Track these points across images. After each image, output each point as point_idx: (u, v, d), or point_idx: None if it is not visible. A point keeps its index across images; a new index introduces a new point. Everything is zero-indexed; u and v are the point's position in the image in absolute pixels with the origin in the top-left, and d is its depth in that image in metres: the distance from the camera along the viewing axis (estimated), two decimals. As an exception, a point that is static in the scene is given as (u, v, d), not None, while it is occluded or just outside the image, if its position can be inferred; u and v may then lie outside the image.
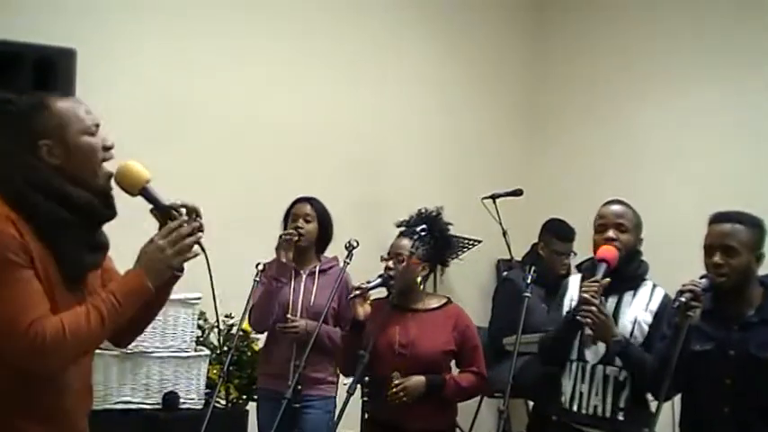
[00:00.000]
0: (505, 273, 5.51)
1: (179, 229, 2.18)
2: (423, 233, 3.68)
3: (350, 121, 5.51)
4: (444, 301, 3.85)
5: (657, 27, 5.72)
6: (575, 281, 3.58)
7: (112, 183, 2.23)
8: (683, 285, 3.02)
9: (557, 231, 5.11)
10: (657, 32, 5.72)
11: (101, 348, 3.88)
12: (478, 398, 4.97)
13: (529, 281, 3.52)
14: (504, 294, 5.08)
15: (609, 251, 3.33)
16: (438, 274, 5.19)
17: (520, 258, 5.42)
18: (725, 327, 3.11)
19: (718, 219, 3.17)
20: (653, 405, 3.41)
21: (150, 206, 2.25)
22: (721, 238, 3.11)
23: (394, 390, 3.57)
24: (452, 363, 3.81)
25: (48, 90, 3.60)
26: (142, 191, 2.23)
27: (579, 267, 3.62)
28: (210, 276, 2.28)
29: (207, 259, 2.23)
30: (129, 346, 3.72)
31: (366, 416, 3.78)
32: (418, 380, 3.60)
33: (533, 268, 3.57)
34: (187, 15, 4.85)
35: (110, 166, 2.22)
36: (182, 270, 2.27)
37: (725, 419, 3.09)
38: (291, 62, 5.27)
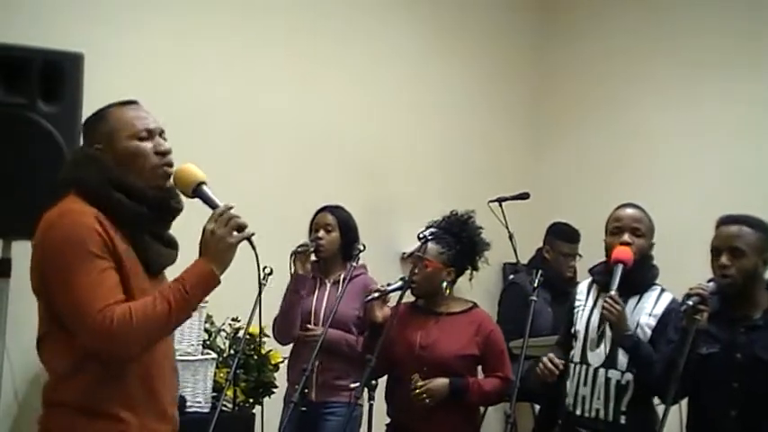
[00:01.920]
0: (512, 276, 5.52)
1: (225, 212, 2.27)
2: (430, 236, 3.67)
3: (356, 124, 5.50)
4: (469, 305, 3.84)
5: (668, 28, 5.70)
6: (583, 287, 3.58)
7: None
8: (691, 289, 3.04)
9: (561, 233, 5.13)
10: (668, 33, 5.70)
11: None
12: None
13: (536, 284, 3.52)
14: (510, 298, 5.09)
15: (624, 252, 3.32)
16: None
17: (526, 262, 5.42)
18: (731, 329, 3.12)
19: (725, 221, 3.18)
20: (659, 409, 3.41)
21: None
22: (728, 240, 3.11)
23: (417, 391, 3.56)
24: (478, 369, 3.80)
25: (54, 94, 3.64)
26: (196, 191, 2.33)
27: (592, 271, 3.60)
28: (259, 272, 2.42)
29: (254, 250, 2.33)
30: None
31: (371, 419, 3.77)
32: (442, 382, 3.59)
33: (540, 272, 3.57)
34: (195, 19, 4.84)
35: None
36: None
37: (732, 423, 3.08)
38: (298, 65, 5.26)
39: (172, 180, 2.36)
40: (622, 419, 3.33)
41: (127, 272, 2.23)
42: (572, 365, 3.45)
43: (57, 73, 3.65)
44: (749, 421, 3.07)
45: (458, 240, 3.76)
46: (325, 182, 5.09)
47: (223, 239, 2.23)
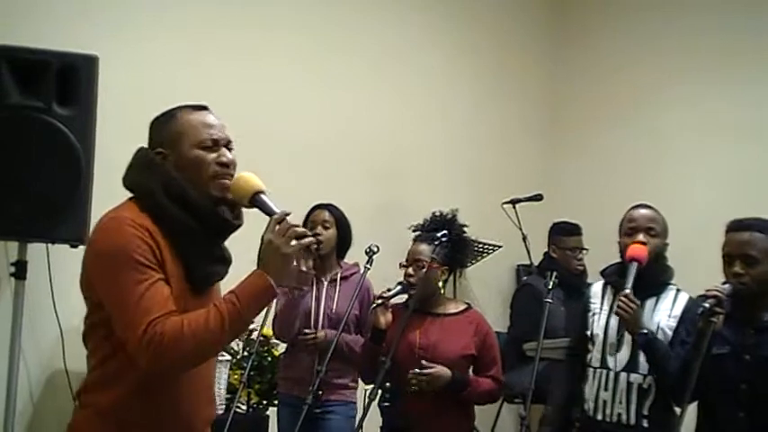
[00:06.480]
0: (525, 278, 5.52)
1: (283, 219, 2.15)
2: (444, 238, 3.66)
3: (369, 126, 5.51)
4: (464, 306, 3.84)
5: (682, 26, 5.71)
6: (597, 290, 3.56)
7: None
8: (707, 291, 3.02)
9: (561, 230, 5.17)
10: (682, 32, 5.70)
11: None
12: (498, 403, 4.95)
13: (550, 286, 3.51)
14: (523, 299, 5.08)
15: (639, 250, 3.31)
16: (457, 278, 5.19)
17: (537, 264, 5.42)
18: (741, 331, 3.10)
19: (735, 227, 3.15)
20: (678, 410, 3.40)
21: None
22: (740, 248, 3.09)
23: (418, 371, 3.54)
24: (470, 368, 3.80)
25: (69, 96, 3.66)
26: (253, 200, 2.21)
27: (604, 273, 3.58)
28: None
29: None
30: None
31: (384, 421, 3.77)
32: (444, 370, 3.57)
33: (554, 274, 3.56)
34: (210, 21, 4.85)
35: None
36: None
37: (740, 425, 3.07)
38: (310, 68, 5.27)
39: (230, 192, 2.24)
40: (644, 423, 3.31)
41: (175, 288, 2.13)
42: (591, 370, 3.43)
43: (72, 76, 3.67)
44: (757, 423, 3.05)
45: (448, 239, 3.74)
46: (340, 184, 5.08)
47: (280, 249, 2.12)
